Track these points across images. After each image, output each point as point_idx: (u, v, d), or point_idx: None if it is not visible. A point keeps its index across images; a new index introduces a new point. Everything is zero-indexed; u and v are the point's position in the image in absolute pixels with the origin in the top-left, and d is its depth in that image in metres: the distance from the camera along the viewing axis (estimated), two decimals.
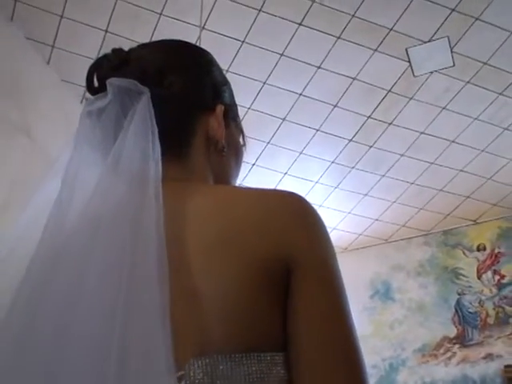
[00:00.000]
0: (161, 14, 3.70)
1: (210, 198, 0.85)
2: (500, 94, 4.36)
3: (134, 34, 3.67)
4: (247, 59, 3.96)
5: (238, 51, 3.92)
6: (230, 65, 3.94)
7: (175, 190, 0.82)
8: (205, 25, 3.73)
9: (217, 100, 0.99)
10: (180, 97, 0.94)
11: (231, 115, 1.02)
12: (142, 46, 1.02)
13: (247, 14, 3.72)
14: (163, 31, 3.71)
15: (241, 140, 1.05)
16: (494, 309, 5.65)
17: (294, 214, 0.82)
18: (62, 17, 3.67)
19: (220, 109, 0.98)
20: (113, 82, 0.89)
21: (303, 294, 0.77)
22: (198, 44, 3.45)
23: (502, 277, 5.70)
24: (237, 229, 0.79)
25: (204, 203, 0.83)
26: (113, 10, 3.64)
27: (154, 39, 3.72)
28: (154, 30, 3.75)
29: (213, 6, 3.67)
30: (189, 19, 3.71)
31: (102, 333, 0.65)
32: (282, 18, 3.75)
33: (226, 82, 1.04)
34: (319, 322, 0.76)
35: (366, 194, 5.39)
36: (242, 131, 1.06)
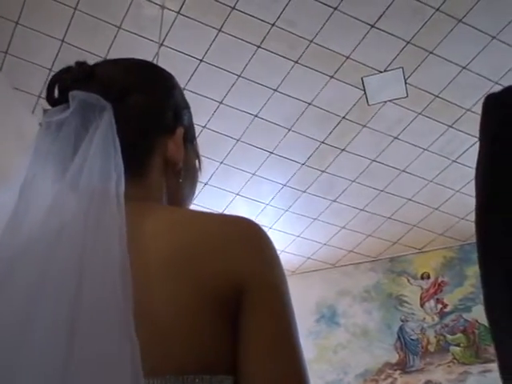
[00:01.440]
0: (119, 28, 3.67)
1: (165, 220, 0.85)
2: (450, 126, 4.47)
3: (90, 46, 3.63)
4: (204, 78, 3.96)
5: (195, 70, 3.93)
6: (187, 83, 3.94)
7: (131, 210, 0.81)
8: (164, 41, 3.72)
9: (177, 123, 1.00)
10: (142, 116, 0.95)
11: (189, 138, 1.03)
12: (108, 62, 1.02)
13: (207, 33, 3.73)
14: (121, 45, 3.69)
15: (196, 163, 1.06)
16: (435, 336, 5.74)
17: (246, 239, 0.83)
18: (17, 23, 3.61)
19: (180, 132, 0.99)
20: (75, 95, 0.88)
21: (253, 320, 0.78)
22: (155, 60, 3.42)
23: (445, 305, 5.80)
24: (190, 252, 0.80)
25: (159, 225, 0.84)
26: (71, 19, 3.60)
27: (111, 52, 3.68)
28: (112, 43, 3.72)
29: (172, 23, 3.67)
30: (148, 35, 3.69)
31: (58, 344, 0.64)
32: (242, 40, 3.78)
33: (186, 106, 1.05)
34: (268, 350, 0.77)
35: (315, 219, 5.43)
36: (198, 155, 1.07)
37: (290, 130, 4.45)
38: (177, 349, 0.75)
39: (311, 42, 3.80)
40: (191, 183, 1.04)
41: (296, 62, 3.93)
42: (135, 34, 3.70)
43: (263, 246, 0.84)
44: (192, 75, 3.93)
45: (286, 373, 0.77)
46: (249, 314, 0.78)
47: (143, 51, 3.60)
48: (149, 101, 0.96)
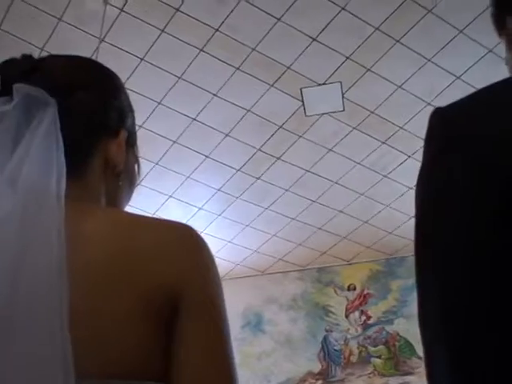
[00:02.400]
0: (60, 20, 3.60)
1: (104, 223, 0.85)
2: (383, 142, 4.57)
3: (28, 36, 3.54)
4: (144, 77, 3.93)
5: (135, 68, 3.89)
6: (126, 81, 3.89)
7: (69, 209, 0.80)
8: (105, 37, 3.67)
9: (121, 125, 0.99)
10: (86, 115, 0.94)
11: (131, 142, 1.03)
12: (55, 57, 1.00)
13: (150, 33, 3.70)
14: (61, 37, 3.61)
15: (136, 168, 1.06)
16: (357, 348, 5.84)
17: (184, 248, 0.84)
18: None
19: (123, 134, 0.99)
20: (20, 88, 0.86)
21: (187, 327, 0.79)
22: (95, 55, 3.37)
23: (368, 317, 5.92)
24: (128, 258, 0.80)
25: (98, 227, 0.84)
26: (9, 6, 3.51)
27: (49, 44, 3.60)
28: (51, 34, 3.64)
29: (115, 20, 3.62)
30: (89, 29, 3.63)
31: None
32: (184, 42, 3.76)
33: (131, 110, 1.05)
34: (200, 358, 0.78)
35: (247, 225, 5.45)
36: (137, 159, 1.07)
37: (227, 135, 4.45)
38: (109, 354, 0.75)
39: (253, 49, 3.83)
40: (129, 186, 1.04)
41: (237, 69, 3.95)
42: (76, 27, 3.64)
43: (201, 254, 0.85)
44: (132, 73, 3.89)
45: (218, 380, 0.78)
46: (183, 321, 0.79)
47: (83, 45, 3.53)
48: (94, 100, 0.96)
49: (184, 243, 0.85)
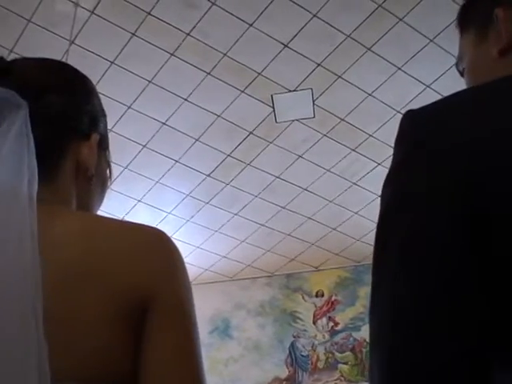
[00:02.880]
0: (29, 21, 3.56)
1: (75, 226, 0.85)
2: (353, 150, 4.61)
3: None
4: (114, 81, 3.90)
5: (105, 71, 3.86)
6: (96, 84, 3.85)
7: (40, 212, 0.79)
8: (75, 39, 3.63)
9: (93, 129, 0.99)
10: (57, 118, 0.94)
11: (103, 146, 1.03)
12: (27, 60, 1.00)
13: (120, 36, 3.68)
14: (30, 38, 3.57)
15: (108, 172, 1.06)
16: (324, 354, 5.86)
17: (155, 251, 0.85)
18: None
19: (95, 137, 0.99)
20: None
21: (157, 332, 0.80)
22: (65, 57, 3.33)
23: (336, 324, 5.94)
24: (99, 261, 0.81)
25: (69, 230, 0.84)
26: None
27: (18, 45, 3.55)
28: (21, 35, 3.59)
29: (85, 22, 3.59)
30: (59, 31, 3.60)
31: None
32: (155, 46, 3.75)
33: (103, 114, 1.05)
34: (169, 362, 0.79)
35: (216, 231, 5.44)
36: (109, 164, 1.07)
37: (197, 140, 4.44)
38: (79, 356, 0.76)
39: (225, 54, 3.83)
40: (101, 190, 1.04)
41: (208, 74, 3.94)
42: (46, 29, 3.60)
43: (172, 257, 0.86)
44: (102, 77, 3.86)
45: (186, 382, 0.79)
46: (153, 323, 0.80)
47: (53, 47, 3.50)
48: (66, 103, 0.95)
49: (155, 246, 0.85)
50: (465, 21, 0.96)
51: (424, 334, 0.64)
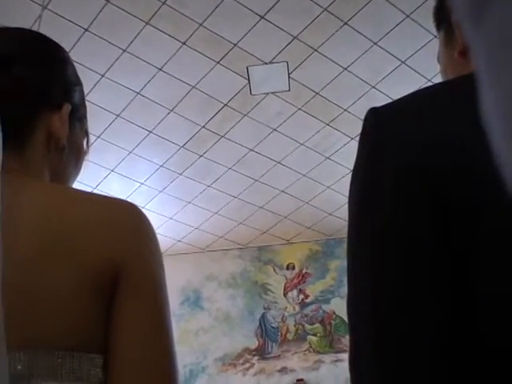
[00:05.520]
0: None
1: (46, 197, 0.85)
2: (327, 124, 4.62)
3: None
4: (88, 48, 3.84)
5: (79, 38, 3.79)
6: (69, 51, 3.79)
7: (10, 183, 0.78)
8: (48, 5, 3.56)
9: (65, 99, 0.98)
10: (26, 89, 0.92)
11: (78, 116, 1.02)
12: None
13: (94, 3, 3.61)
14: (1, 4, 3.49)
15: (85, 142, 1.05)
16: (294, 325, 5.94)
17: (127, 225, 0.85)
18: None
19: (66, 108, 0.97)
20: None
21: (128, 304, 0.81)
22: (37, 24, 3.27)
23: (306, 296, 6.02)
24: (70, 232, 0.81)
25: (40, 201, 0.84)
26: None
27: None
28: None
29: None
30: None
31: None
32: (130, 14, 3.69)
33: (78, 82, 1.03)
34: (140, 334, 0.80)
35: (189, 202, 5.44)
36: (87, 134, 1.06)
37: (171, 111, 4.41)
38: (50, 325, 0.76)
39: (200, 25, 3.79)
40: (76, 161, 1.02)
41: (183, 44, 3.90)
42: None
43: (144, 231, 0.87)
44: (75, 44, 3.80)
45: (156, 358, 0.80)
46: (125, 297, 0.81)
47: (25, 13, 3.42)
48: (35, 73, 0.94)
49: (127, 219, 0.86)
50: (437, 21, 1.00)
51: (405, 306, 0.67)
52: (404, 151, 0.70)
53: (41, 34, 1.03)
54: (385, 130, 0.74)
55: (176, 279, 5.83)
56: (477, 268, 0.64)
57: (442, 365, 0.64)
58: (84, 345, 0.78)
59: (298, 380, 5.65)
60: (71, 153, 0.99)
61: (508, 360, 0.62)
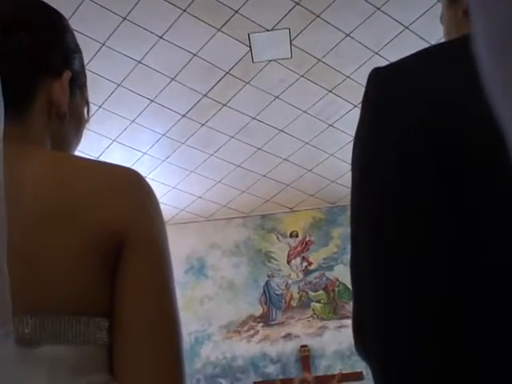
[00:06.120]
0: None
1: (48, 165, 0.85)
2: (330, 91, 4.59)
3: None
4: (87, 17, 3.80)
5: (78, 7, 3.75)
6: (69, 19, 3.76)
7: (12, 151, 0.78)
8: None
9: (65, 66, 0.97)
10: (27, 56, 0.92)
11: (78, 84, 1.01)
12: None
13: None
14: None
15: (85, 111, 1.05)
16: (298, 292, 5.99)
17: (130, 191, 0.86)
18: None
19: (67, 75, 0.97)
20: None
21: (132, 269, 0.82)
22: None
23: (310, 263, 6.05)
24: (73, 199, 0.82)
25: (42, 169, 0.84)
26: None
27: None
28: None
29: None
30: None
31: None
32: None
33: (78, 50, 1.03)
34: (144, 297, 0.82)
35: (192, 171, 5.44)
36: (87, 102, 1.06)
37: (173, 79, 4.38)
38: (57, 290, 0.78)
39: None
40: (76, 129, 1.02)
41: (184, 11, 3.86)
42: None
43: (146, 198, 0.88)
44: (74, 12, 3.76)
45: (160, 320, 0.82)
46: (128, 263, 0.82)
47: None
48: (36, 40, 0.93)
49: (130, 186, 0.87)
50: None
51: (412, 273, 0.67)
52: (407, 111, 0.70)
53: (41, 1, 1.02)
54: (387, 90, 0.73)
55: (180, 248, 5.86)
56: (478, 229, 0.65)
57: (442, 305, 0.65)
58: (90, 309, 0.80)
59: (302, 346, 5.72)
60: (72, 121, 0.99)
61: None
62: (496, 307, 0.63)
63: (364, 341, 0.71)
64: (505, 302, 0.63)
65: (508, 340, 0.62)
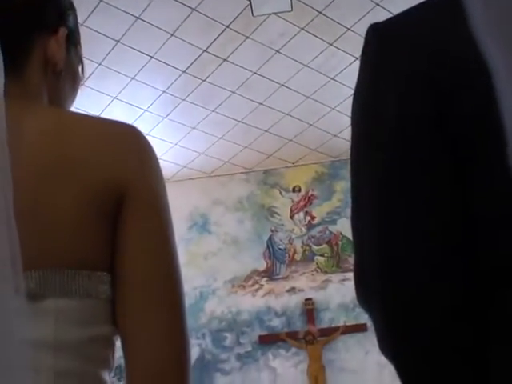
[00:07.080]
0: None
1: (48, 120, 0.86)
2: (331, 44, 4.54)
3: None
4: None
5: None
6: None
7: (11, 107, 0.78)
8: None
9: (60, 23, 0.97)
10: (22, 13, 0.91)
11: (73, 41, 1.01)
12: None
13: None
14: None
15: (79, 68, 1.05)
16: (301, 247, 6.03)
17: (129, 147, 0.87)
18: None
19: (63, 32, 0.97)
20: None
21: (131, 223, 0.84)
22: None
23: (313, 218, 6.08)
24: (72, 154, 0.83)
25: (42, 124, 0.84)
26: None
27: None
28: None
29: None
30: None
31: None
32: None
33: (72, 7, 1.02)
34: (144, 250, 0.83)
35: (193, 128, 5.42)
36: (81, 59, 1.05)
37: (172, 35, 4.34)
38: (58, 245, 0.80)
39: None
40: (72, 86, 1.03)
41: None
42: None
43: (145, 153, 0.88)
44: None
45: (160, 271, 0.84)
46: (128, 217, 0.84)
47: None
48: None
49: (129, 141, 0.88)
50: None
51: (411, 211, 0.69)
52: (407, 60, 0.70)
53: None
54: (387, 42, 0.74)
55: (183, 204, 5.89)
56: (473, 173, 0.66)
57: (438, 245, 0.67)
58: (91, 263, 0.81)
59: (306, 299, 5.79)
60: (67, 77, 1.00)
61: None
62: (493, 256, 0.65)
63: (366, 291, 0.73)
64: (502, 249, 0.64)
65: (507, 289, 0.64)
